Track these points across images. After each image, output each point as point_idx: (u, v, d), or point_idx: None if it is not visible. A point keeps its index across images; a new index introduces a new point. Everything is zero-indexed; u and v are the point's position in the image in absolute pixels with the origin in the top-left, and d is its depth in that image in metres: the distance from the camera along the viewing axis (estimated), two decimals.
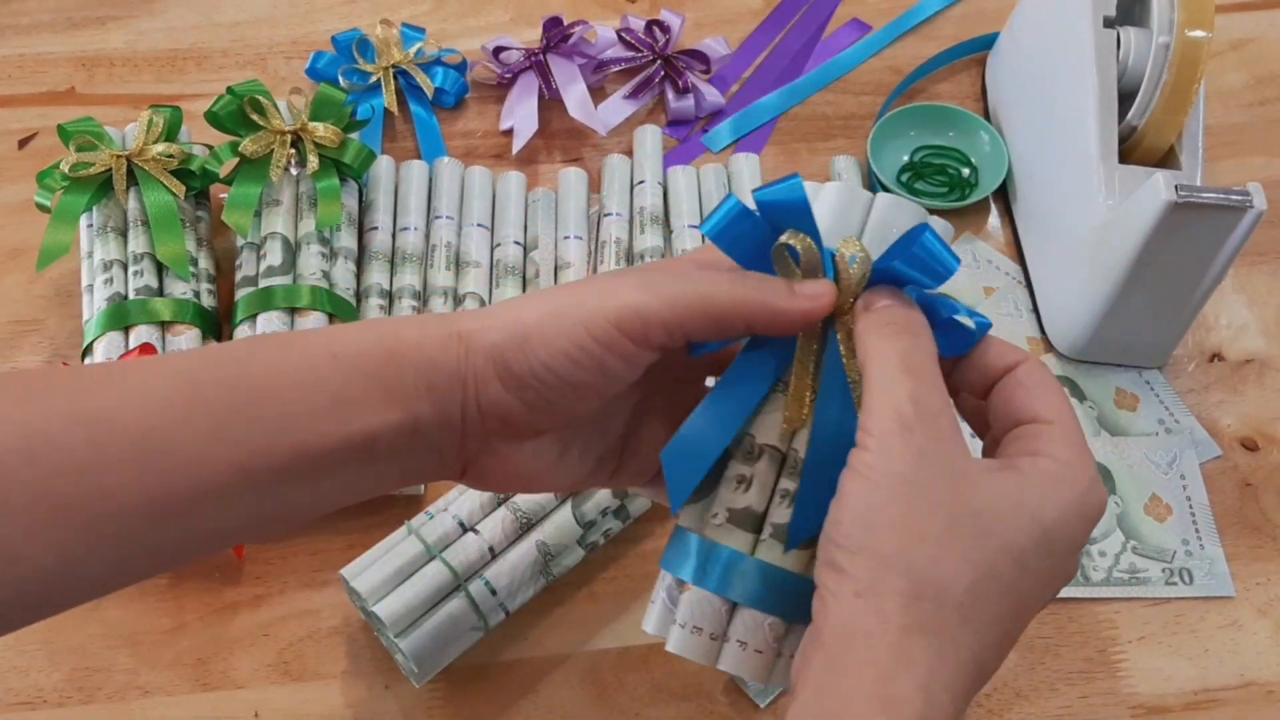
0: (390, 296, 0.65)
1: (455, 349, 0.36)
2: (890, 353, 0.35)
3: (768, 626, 0.37)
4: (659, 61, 0.76)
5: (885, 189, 0.70)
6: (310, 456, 0.35)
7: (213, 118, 0.65)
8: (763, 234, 0.38)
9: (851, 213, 0.39)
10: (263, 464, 0.34)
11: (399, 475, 0.38)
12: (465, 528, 0.53)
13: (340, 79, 0.75)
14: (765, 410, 0.38)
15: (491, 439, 0.38)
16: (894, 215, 0.38)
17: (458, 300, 0.65)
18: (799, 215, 0.37)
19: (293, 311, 0.62)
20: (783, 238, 0.37)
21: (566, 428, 0.40)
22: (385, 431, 0.36)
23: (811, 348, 0.38)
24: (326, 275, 0.63)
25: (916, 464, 0.33)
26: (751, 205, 0.38)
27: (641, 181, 0.70)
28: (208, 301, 0.63)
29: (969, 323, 0.38)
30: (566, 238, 0.68)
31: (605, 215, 0.69)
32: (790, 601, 0.37)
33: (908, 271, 0.37)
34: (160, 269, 0.63)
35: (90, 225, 0.64)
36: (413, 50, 0.76)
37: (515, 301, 0.38)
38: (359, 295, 0.65)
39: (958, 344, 0.39)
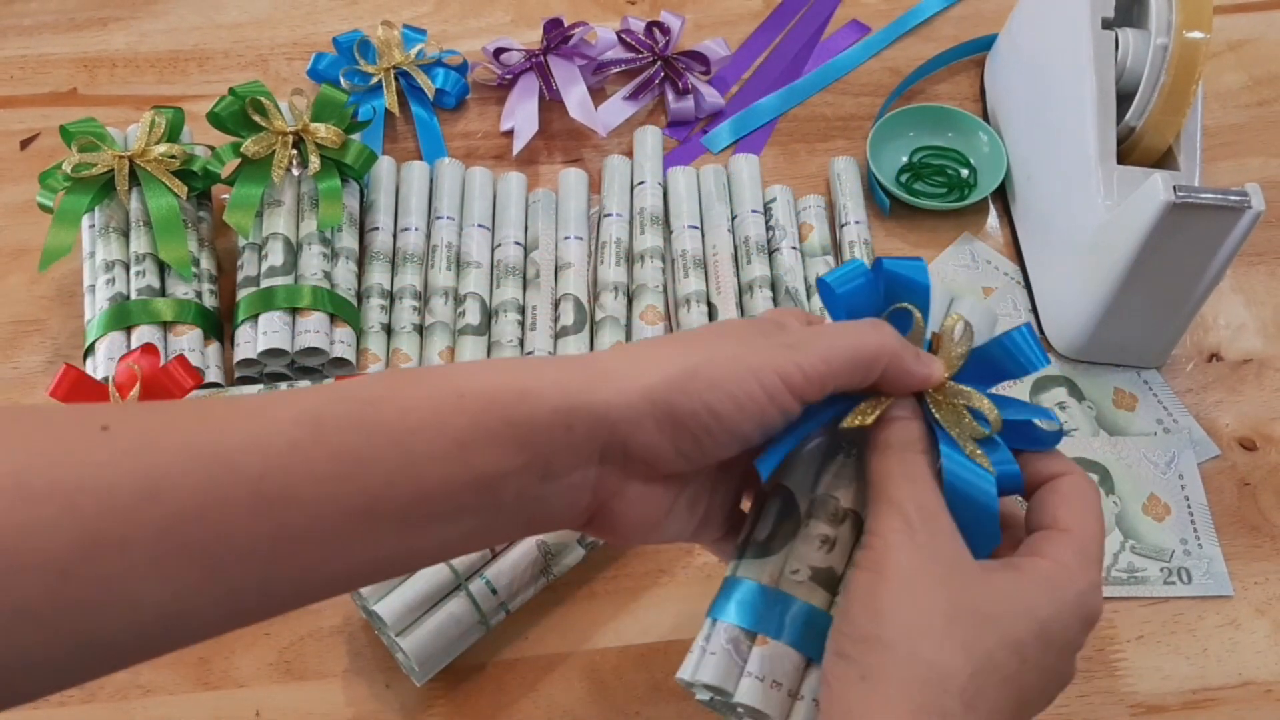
0: (391, 297, 0.65)
1: (602, 391, 0.35)
2: (893, 463, 0.38)
3: None
4: (659, 63, 0.76)
5: (885, 190, 0.70)
6: (432, 500, 0.34)
7: (214, 119, 0.65)
8: (875, 300, 0.40)
9: (937, 310, 0.42)
10: (383, 508, 0.33)
11: (525, 522, 0.37)
12: None
13: (341, 80, 0.75)
14: (848, 476, 0.40)
15: (628, 481, 0.38)
16: (973, 314, 0.41)
17: (458, 300, 0.66)
18: (918, 295, 0.40)
19: (294, 312, 0.62)
20: (899, 305, 0.40)
21: (698, 476, 0.40)
22: (513, 473, 0.35)
23: (881, 399, 0.40)
24: (328, 275, 0.63)
25: (919, 561, 0.35)
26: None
27: (641, 182, 0.70)
28: (210, 302, 0.64)
29: (1048, 425, 0.40)
30: (567, 238, 0.68)
31: (605, 216, 0.69)
32: None
33: (1000, 356, 0.40)
34: (162, 269, 0.63)
35: (92, 226, 0.65)
36: (414, 51, 0.76)
37: (656, 347, 0.38)
38: (360, 295, 0.65)
39: (1032, 440, 0.41)
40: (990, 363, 0.40)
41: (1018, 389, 0.64)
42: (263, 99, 0.65)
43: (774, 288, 0.67)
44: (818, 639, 0.37)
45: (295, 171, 0.66)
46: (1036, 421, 0.40)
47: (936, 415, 0.39)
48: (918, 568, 0.35)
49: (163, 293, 0.62)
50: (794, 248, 0.68)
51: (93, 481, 0.30)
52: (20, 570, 0.29)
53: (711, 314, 0.66)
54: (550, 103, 0.75)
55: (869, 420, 0.39)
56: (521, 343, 0.65)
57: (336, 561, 0.34)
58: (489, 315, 0.65)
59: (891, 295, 0.40)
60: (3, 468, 0.30)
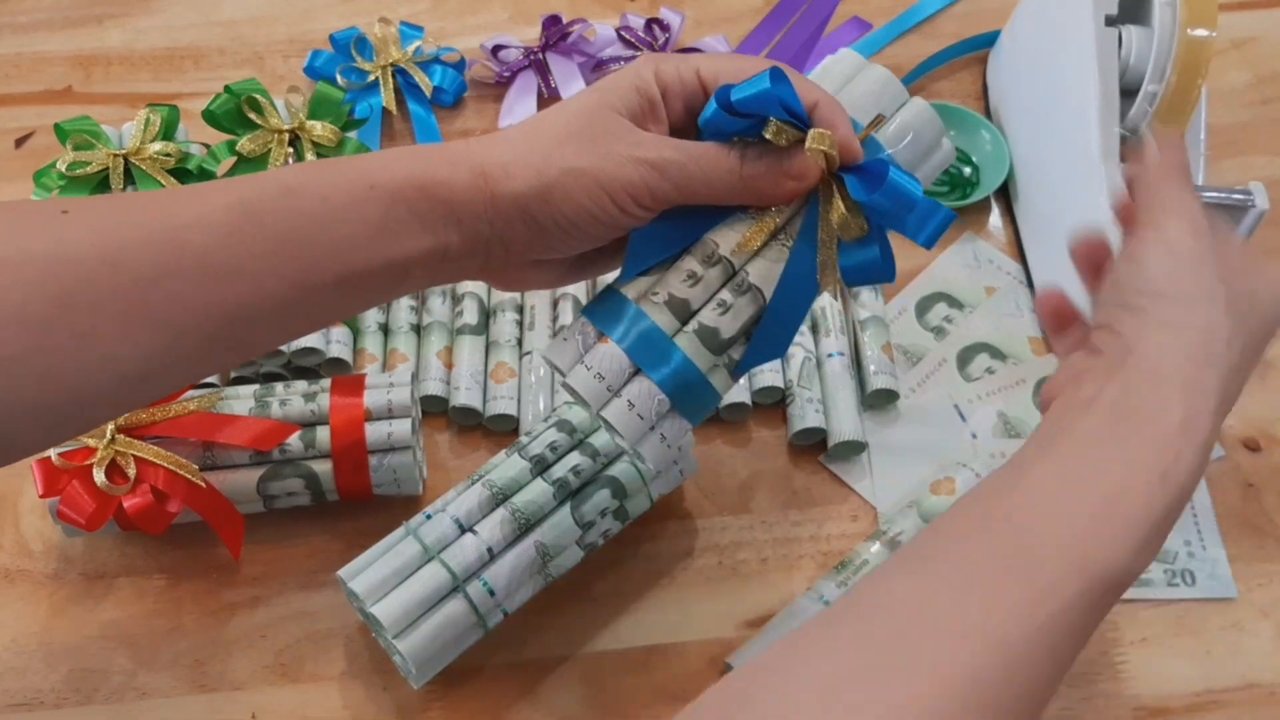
0: None
1: (482, 193, 0.41)
2: (1183, 186, 0.43)
3: (657, 401, 0.42)
4: None
5: None
6: (355, 276, 0.40)
7: (210, 116, 0.65)
8: (746, 124, 0.42)
9: (884, 100, 0.45)
10: (313, 281, 0.39)
11: (428, 284, 0.44)
12: (463, 528, 0.53)
13: (338, 77, 0.74)
14: (729, 223, 0.43)
15: (511, 265, 0.44)
16: (920, 122, 0.45)
17: (456, 299, 0.65)
18: (772, 105, 0.41)
19: None
20: (769, 130, 0.41)
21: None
22: (419, 256, 0.41)
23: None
24: None
25: (1206, 251, 0.42)
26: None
27: None
28: None
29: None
30: None
31: None
32: (683, 392, 0.43)
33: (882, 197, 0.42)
34: None
35: None
36: (411, 49, 0.75)
37: (525, 142, 0.42)
38: None
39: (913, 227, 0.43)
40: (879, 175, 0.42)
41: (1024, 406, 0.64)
42: (258, 96, 0.64)
43: None
44: (649, 353, 0.42)
45: None
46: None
47: (823, 207, 0.43)
48: (1206, 256, 0.41)
49: None
50: None
51: (61, 253, 0.36)
52: (8, 324, 0.35)
53: None
54: (549, 100, 0.75)
55: (756, 244, 0.42)
56: (519, 342, 0.64)
57: (272, 322, 0.40)
58: (487, 315, 0.65)
59: (753, 113, 0.41)
60: None
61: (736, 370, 0.44)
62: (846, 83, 0.46)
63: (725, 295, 0.43)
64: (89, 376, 0.36)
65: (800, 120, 0.41)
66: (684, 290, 0.43)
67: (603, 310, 0.44)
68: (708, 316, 0.43)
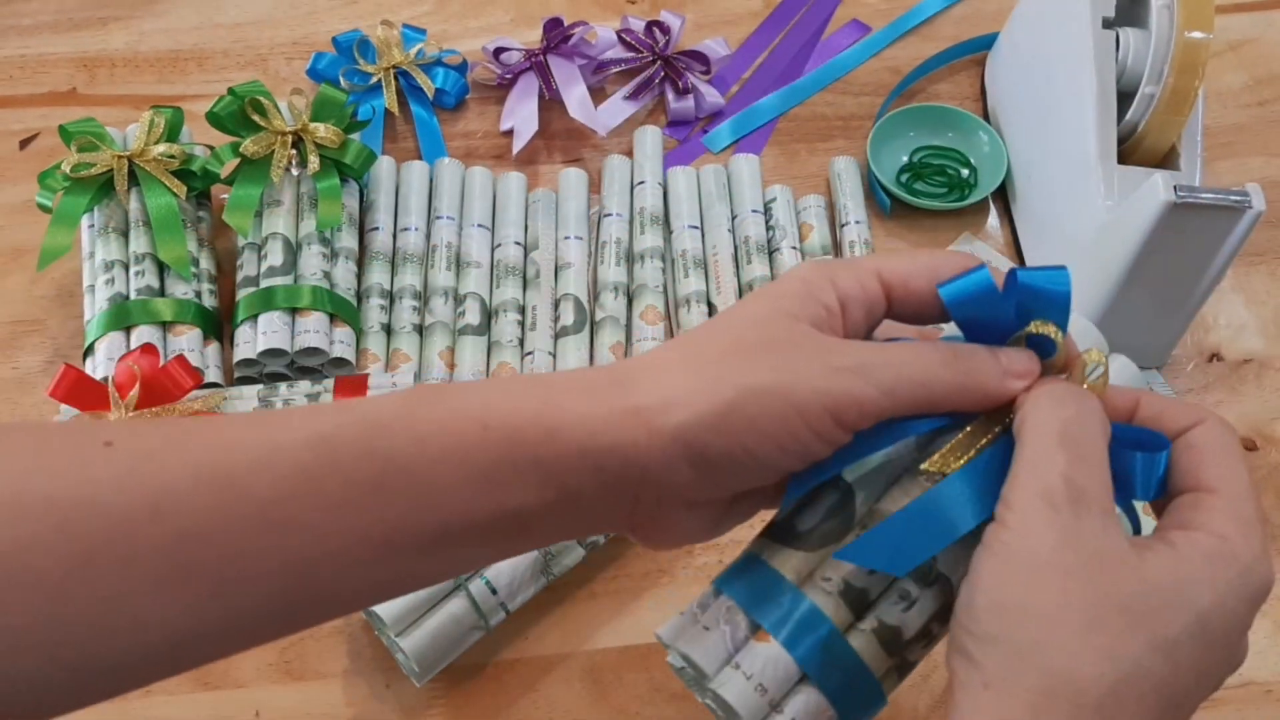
0: (391, 297, 0.65)
1: (632, 431, 0.32)
2: (1050, 421, 0.33)
3: (826, 717, 0.34)
4: (659, 62, 0.76)
5: (885, 190, 0.70)
6: (455, 533, 0.33)
7: (214, 118, 0.65)
8: (1003, 316, 0.35)
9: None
10: (400, 538, 0.32)
11: (555, 540, 0.36)
12: None
13: (341, 80, 0.75)
14: (916, 495, 0.35)
15: (662, 510, 0.35)
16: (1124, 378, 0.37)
17: (458, 300, 0.65)
18: (1059, 309, 0.34)
19: (294, 312, 0.62)
20: (1033, 325, 0.34)
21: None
22: (541, 509, 0.33)
23: (991, 428, 0.35)
24: (327, 275, 0.63)
25: (1059, 546, 0.31)
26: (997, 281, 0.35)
27: (641, 182, 0.70)
28: (209, 302, 0.64)
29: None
30: (567, 238, 0.68)
31: (605, 216, 0.69)
32: (851, 697, 0.35)
33: (1125, 446, 0.34)
34: (161, 269, 0.63)
35: (91, 226, 0.65)
36: (413, 51, 0.76)
37: (686, 364, 0.34)
38: (360, 295, 0.65)
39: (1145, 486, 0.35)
40: (1120, 437, 0.34)
41: None
42: (262, 99, 0.64)
43: None
44: (826, 664, 0.34)
45: (294, 171, 0.66)
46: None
47: None
48: (1056, 556, 0.30)
49: (162, 293, 0.62)
50: (794, 248, 0.68)
51: (91, 498, 0.30)
52: (11, 589, 0.28)
53: (711, 314, 0.66)
54: (550, 102, 0.75)
55: (953, 467, 0.34)
56: (521, 342, 0.64)
57: (352, 585, 0.33)
58: (489, 315, 0.65)
59: (1028, 307, 0.34)
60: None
61: (845, 551, 0.35)
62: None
63: (908, 585, 0.35)
64: (112, 646, 0.30)
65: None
66: (860, 578, 0.34)
67: (753, 591, 0.35)
68: (889, 613, 0.34)
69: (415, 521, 0.32)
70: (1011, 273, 0.34)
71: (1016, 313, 0.34)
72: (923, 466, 0.34)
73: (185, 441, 0.32)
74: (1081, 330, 0.38)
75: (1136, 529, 0.35)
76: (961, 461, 0.34)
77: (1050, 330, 0.34)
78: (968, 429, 0.34)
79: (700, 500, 0.35)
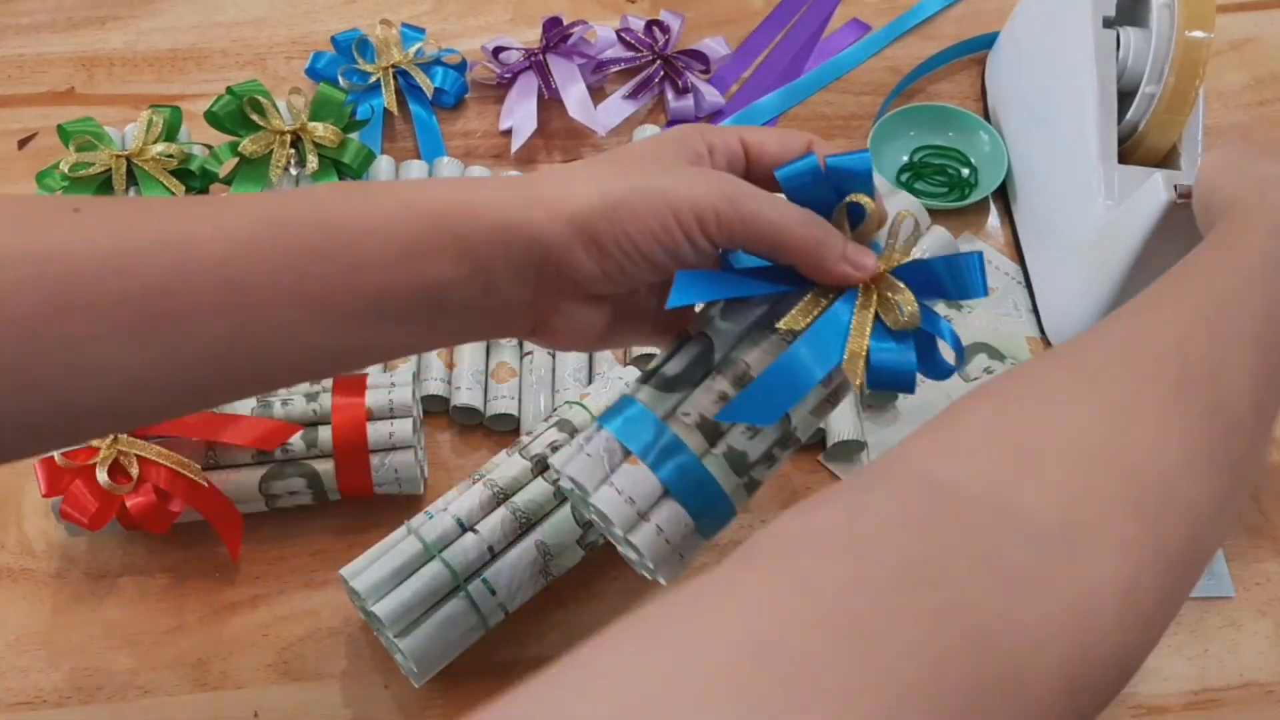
0: None
1: (538, 212, 0.38)
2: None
3: (684, 525, 0.41)
4: (659, 61, 0.76)
5: None
6: (382, 301, 0.37)
7: (212, 118, 0.65)
8: (825, 193, 0.42)
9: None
10: (334, 301, 0.36)
11: (469, 329, 0.41)
12: (465, 527, 0.53)
13: (340, 79, 0.75)
14: (768, 351, 0.42)
15: (562, 300, 0.41)
16: (940, 247, 0.45)
17: None
18: (863, 184, 0.41)
19: None
20: (850, 197, 0.41)
21: (623, 296, 0.43)
22: (457, 283, 0.38)
23: (827, 295, 0.42)
24: None
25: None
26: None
27: None
28: None
29: (949, 356, 0.43)
30: None
31: None
32: (709, 512, 0.41)
33: (943, 273, 0.41)
34: None
35: None
36: (412, 50, 0.76)
37: (587, 171, 0.40)
38: None
39: (933, 366, 0.43)
40: (933, 276, 0.41)
41: None
42: (260, 98, 0.64)
43: None
44: (684, 482, 0.41)
45: (293, 170, 0.66)
46: (939, 342, 0.42)
47: (864, 299, 0.41)
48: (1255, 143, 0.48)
49: None
50: None
51: (62, 250, 0.33)
52: None
53: None
54: (549, 102, 0.75)
55: (802, 325, 0.41)
56: (521, 343, 0.64)
57: (290, 348, 0.37)
58: None
59: (841, 186, 0.42)
60: None
61: (723, 412, 0.42)
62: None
63: None
64: (76, 387, 0.34)
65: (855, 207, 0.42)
66: (713, 409, 0.41)
67: (627, 425, 0.42)
68: (737, 440, 0.42)
69: (347, 286, 0.36)
70: (828, 159, 0.42)
71: (836, 195, 0.42)
72: (779, 325, 0.41)
73: (148, 211, 0.36)
74: (903, 201, 0.46)
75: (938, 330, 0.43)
76: (808, 320, 0.41)
77: (862, 199, 0.41)
78: (809, 295, 0.41)
79: (592, 295, 0.41)
